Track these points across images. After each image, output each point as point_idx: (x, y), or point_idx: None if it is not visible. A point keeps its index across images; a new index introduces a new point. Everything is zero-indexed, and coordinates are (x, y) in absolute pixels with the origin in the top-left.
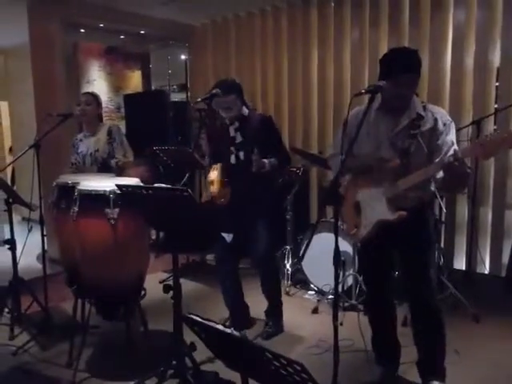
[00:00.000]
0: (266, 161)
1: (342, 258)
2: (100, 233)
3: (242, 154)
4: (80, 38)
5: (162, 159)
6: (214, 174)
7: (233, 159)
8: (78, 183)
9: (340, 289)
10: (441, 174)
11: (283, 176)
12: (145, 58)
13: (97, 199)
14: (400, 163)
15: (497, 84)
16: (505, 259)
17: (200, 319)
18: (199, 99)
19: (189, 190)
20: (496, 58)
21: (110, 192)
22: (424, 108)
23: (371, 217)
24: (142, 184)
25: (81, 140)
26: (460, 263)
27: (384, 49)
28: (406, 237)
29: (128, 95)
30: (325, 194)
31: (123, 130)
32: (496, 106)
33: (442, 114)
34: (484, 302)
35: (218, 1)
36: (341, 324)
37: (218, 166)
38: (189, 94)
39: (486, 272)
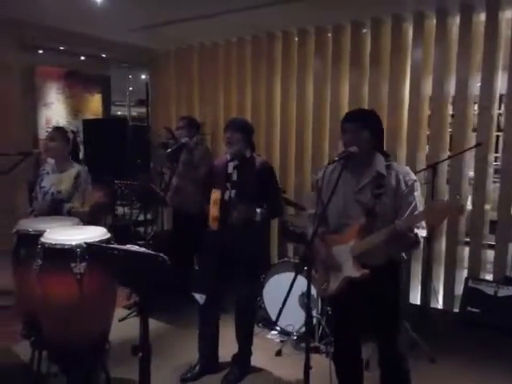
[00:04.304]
0: (257, 210)
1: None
2: (65, 288)
3: (233, 193)
4: (38, 60)
5: (124, 194)
6: (215, 195)
7: (226, 195)
8: (40, 233)
9: (303, 330)
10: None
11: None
12: (105, 80)
13: (62, 253)
14: (365, 222)
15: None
16: (457, 293)
17: None
18: (169, 150)
19: (163, 256)
20: (451, 91)
21: (77, 246)
22: (388, 167)
23: (339, 273)
24: (112, 243)
25: (47, 173)
26: (415, 298)
27: (345, 84)
28: (374, 294)
29: (87, 120)
30: (303, 253)
31: (81, 155)
32: (450, 130)
33: (405, 173)
34: (439, 339)
35: (186, 30)
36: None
37: (218, 191)
38: (149, 109)
39: (440, 307)
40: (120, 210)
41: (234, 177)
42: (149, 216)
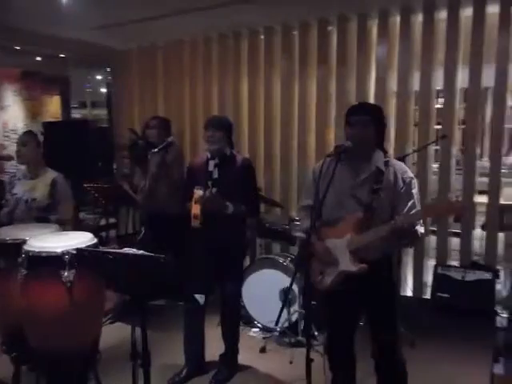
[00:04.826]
0: (228, 204)
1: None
2: (54, 297)
3: (214, 191)
4: None
5: (94, 196)
6: (197, 194)
7: (208, 193)
8: (18, 241)
9: (286, 325)
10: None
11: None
12: (64, 81)
13: (49, 260)
14: (363, 217)
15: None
16: (425, 280)
17: None
18: (155, 150)
19: (165, 257)
20: (415, 88)
21: (64, 253)
22: (386, 163)
23: (335, 267)
24: (100, 248)
25: (19, 179)
26: None
27: (313, 81)
28: (371, 289)
29: (48, 123)
30: (300, 249)
31: None
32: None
33: (402, 170)
34: (414, 325)
35: (150, 28)
36: (290, 362)
37: (200, 190)
38: (111, 110)
39: (410, 294)
40: (80, 215)
41: (215, 175)
42: (112, 220)
